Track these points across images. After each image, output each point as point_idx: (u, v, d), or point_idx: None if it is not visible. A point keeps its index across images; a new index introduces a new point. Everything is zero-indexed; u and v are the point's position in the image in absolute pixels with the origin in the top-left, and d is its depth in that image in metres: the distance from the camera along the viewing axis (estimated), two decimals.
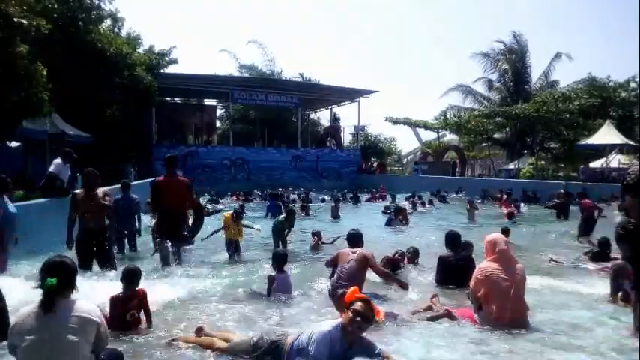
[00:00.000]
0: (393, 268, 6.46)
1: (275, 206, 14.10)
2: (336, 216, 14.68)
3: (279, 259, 5.73)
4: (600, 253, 7.47)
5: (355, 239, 6.00)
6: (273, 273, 5.67)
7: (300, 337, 3.44)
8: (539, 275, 6.57)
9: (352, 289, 3.70)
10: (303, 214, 14.66)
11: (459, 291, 5.63)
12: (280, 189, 22.65)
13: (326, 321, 3.44)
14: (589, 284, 6.09)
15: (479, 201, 18.35)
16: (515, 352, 3.86)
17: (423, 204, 17.61)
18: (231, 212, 8.99)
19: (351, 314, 3.31)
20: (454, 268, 5.89)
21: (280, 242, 8.85)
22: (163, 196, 6.84)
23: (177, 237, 6.94)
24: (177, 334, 4.21)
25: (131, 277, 4.36)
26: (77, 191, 6.67)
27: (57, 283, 2.70)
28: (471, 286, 4.68)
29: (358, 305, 3.35)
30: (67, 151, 8.89)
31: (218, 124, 36.66)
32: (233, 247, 8.44)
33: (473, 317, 4.60)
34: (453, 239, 6.22)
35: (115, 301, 4.25)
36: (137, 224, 8.86)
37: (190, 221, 7.42)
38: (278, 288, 5.57)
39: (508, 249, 4.70)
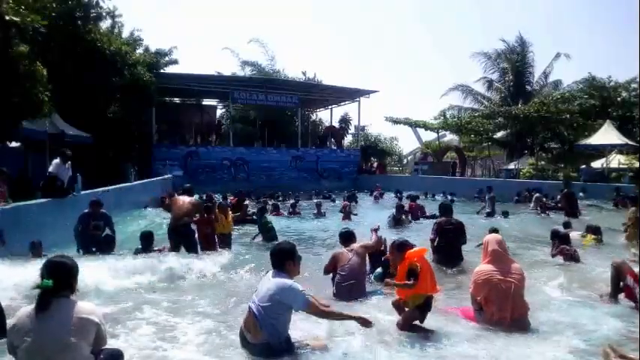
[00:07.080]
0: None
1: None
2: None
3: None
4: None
5: (348, 237, 6.14)
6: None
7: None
8: (539, 275, 6.57)
9: (420, 249, 4.36)
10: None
11: (457, 289, 5.63)
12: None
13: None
14: (589, 284, 6.08)
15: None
16: (515, 352, 3.85)
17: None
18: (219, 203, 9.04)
19: None
20: (448, 231, 7.24)
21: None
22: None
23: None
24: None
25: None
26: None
27: (53, 285, 2.69)
28: (470, 290, 4.66)
29: None
30: (62, 151, 8.93)
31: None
32: (225, 242, 8.30)
33: (474, 317, 4.59)
34: (446, 208, 7.75)
35: None
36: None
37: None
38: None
39: (502, 249, 4.62)
